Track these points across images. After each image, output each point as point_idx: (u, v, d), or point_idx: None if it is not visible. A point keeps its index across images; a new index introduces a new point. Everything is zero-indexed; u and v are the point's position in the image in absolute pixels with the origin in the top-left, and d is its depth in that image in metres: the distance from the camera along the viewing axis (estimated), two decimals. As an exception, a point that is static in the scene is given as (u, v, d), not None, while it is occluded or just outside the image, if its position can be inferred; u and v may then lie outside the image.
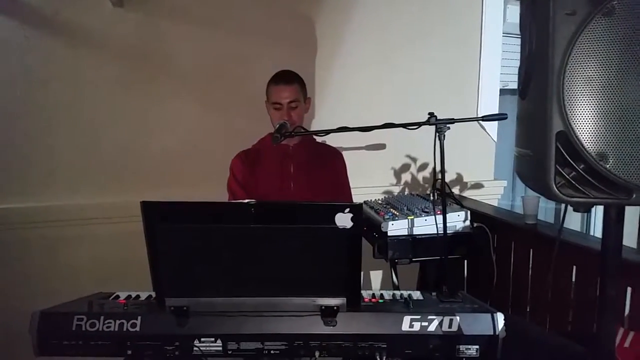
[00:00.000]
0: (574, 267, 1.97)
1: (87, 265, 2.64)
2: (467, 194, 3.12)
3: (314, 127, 2.80)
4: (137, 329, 1.41)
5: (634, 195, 0.92)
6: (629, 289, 1.71)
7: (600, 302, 1.12)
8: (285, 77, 2.24)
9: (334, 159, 2.43)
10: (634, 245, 1.84)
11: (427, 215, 2.19)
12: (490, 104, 3.14)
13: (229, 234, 1.35)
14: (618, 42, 0.90)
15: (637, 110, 0.90)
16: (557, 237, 1.40)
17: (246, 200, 1.35)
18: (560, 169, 0.96)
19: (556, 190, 0.96)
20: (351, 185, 2.46)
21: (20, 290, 2.52)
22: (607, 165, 0.92)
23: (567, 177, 0.96)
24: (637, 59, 0.89)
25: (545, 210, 3.78)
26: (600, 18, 0.91)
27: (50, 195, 2.61)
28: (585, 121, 0.93)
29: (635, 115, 0.90)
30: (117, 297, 1.62)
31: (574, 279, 1.98)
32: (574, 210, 1.01)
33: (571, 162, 0.95)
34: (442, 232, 1.90)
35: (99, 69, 2.59)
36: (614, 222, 1.06)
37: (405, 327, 1.40)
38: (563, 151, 0.95)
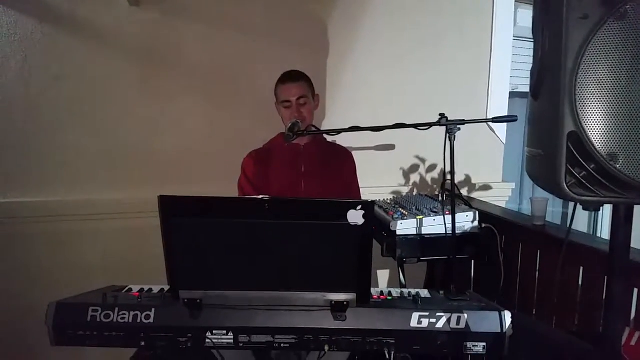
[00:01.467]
0: (581, 268, 1.98)
1: (96, 261, 2.67)
2: (475, 195, 3.14)
3: (325, 127, 2.82)
4: (151, 320, 1.44)
5: (643, 195, 0.94)
6: (635, 290, 1.72)
7: (607, 300, 1.14)
8: (292, 75, 2.28)
9: (345, 158, 2.46)
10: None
11: (436, 215, 2.21)
12: (500, 106, 3.15)
13: (243, 229, 1.38)
14: (630, 45, 0.92)
15: (646, 112, 0.92)
16: (565, 238, 1.42)
17: (260, 196, 1.38)
18: (570, 169, 0.98)
19: (567, 189, 0.98)
20: (360, 185, 2.49)
21: (28, 284, 2.56)
22: (617, 165, 0.94)
23: (578, 176, 0.98)
24: (648, 63, 0.91)
25: (552, 214, 3.79)
26: (612, 22, 0.93)
27: (61, 190, 2.64)
28: (596, 122, 0.95)
29: (645, 117, 0.92)
30: (130, 290, 1.65)
31: (580, 280, 1.99)
32: (584, 209, 1.02)
33: (582, 161, 0.97)
34: (450, 232, 1.92)
35: (113, 67, 2.62)
36: (622, 222, 1.08)
37: (413, 323, 1.42)
38: (574, 151, 0.97)
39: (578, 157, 0.97)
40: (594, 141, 0.95)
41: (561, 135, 0.97)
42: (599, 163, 0.95)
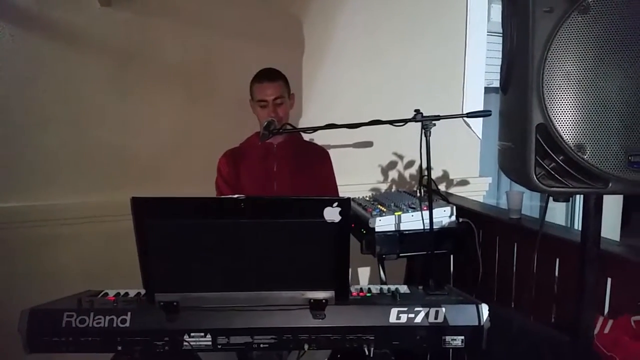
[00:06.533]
0: (557, 259, 2.00)
1: (74, 265, 2.62)
2: (453, 190, 3.16)
3: (302, 125, 2.81)
4: (127, 324, 1.42)
5: (610, 185, 0.96)
6: (609, 280, 1.74)
7: (579, 288, 1.16)
8: (269, 75, 2.26)
9: (320, 158, 2.45)
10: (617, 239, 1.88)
11: (414, 211, 2.22)
12: (475, 102, 3.18)
13: (219, 229, 1.36)
14: (593, 38, 0.94)
15: (612, 103, 0.94)
16: (539, 230, 1.44)
17: (236, 195, 1.37)
18: (540, 160, 0.99)
19: (536, 180, 1.00)
20: (339, 182, 2.48)
21: (7, 289, 2.50)
22: (585, 156, 0.95)
23: (547, 168, 0.99)
24: (611, 55, 0.93)
25: (530, 207, 3.84)
26: (576, 15, 0.94)
27: (37, 195, 2.59)
28: (564, 114, 0.96)
29: (611, 108, 0.94)
30: (106, 294, 1.62)
31: (557, 272, 2.01)
32: (554, 200, 1.04)
33: (551, 153, 0.98)
34: (428, 227, 1.93)
35: (86, 68, 2.58)
36: (592, 212, 1.10)
37: (392, 319, 1.42)
38: (543, 143, 0.98)
39: (547, 148, 0.98)
40: (561, 133, 0.96)
41: (530, 128, 0.98)
42: (567, 154, 0.97)
